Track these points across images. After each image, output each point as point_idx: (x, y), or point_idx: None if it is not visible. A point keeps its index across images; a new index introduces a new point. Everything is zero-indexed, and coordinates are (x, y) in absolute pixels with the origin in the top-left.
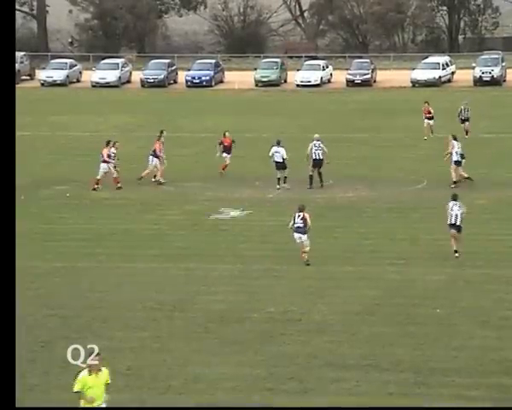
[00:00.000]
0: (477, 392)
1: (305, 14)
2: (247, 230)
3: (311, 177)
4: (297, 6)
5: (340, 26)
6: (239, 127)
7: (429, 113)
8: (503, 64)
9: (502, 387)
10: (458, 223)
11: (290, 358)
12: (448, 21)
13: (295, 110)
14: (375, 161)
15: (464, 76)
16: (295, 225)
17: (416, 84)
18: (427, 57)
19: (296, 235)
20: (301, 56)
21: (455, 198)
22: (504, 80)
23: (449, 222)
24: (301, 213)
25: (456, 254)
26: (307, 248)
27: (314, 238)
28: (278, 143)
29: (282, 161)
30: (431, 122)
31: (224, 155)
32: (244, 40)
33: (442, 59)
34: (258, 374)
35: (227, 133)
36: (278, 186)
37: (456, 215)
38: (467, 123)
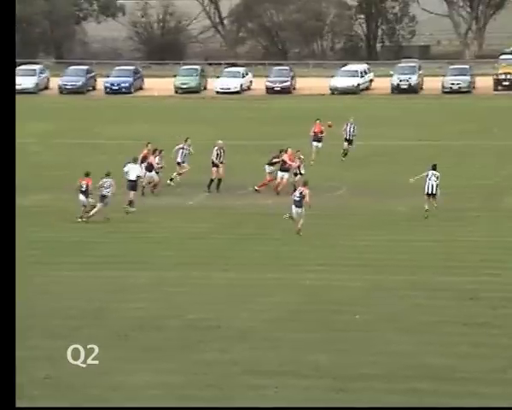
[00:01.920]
0: (395, 397)
1: (225, 22)
2: (168, 237)
3: (211, 181)
4: (216, 13)
5: (260, 33)
6: (158, 134)
7: (321, 132)
8: (420, 72)
9: (418, 392)
10: (434, 192)
11: (209, 365)
12: (366, 30)
13: (215, 117)
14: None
15: (382, 84)
16: (294, 198)
17: (334, 91)
18: (345, 65)
19: (293, 208)
20: (221, 63)
21: (434, 168)
22: (421, 88)
23: (426, 192)
24: (302, 189)
25: (426, 215)
26: (301, 222)
27: (234, 245)
28: (134, 161)
29: (133, 179)
30: (319, 145)
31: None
32: (163, 47)
33: (360, 67)
34: (176, 381)
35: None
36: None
37: (433, 185)
38: (350, 146)
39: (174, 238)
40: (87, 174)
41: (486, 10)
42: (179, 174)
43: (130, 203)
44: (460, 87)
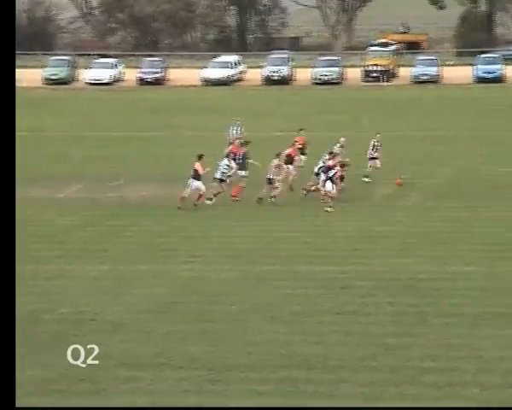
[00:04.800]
0: (268, 386)
1: (95, 12)
2: (38, 230)
3: None
4: (85, 3)
5: (131, 24)
6: (27, 126)
7: (303, 145)
8: (291, 63)
9: (291, 380)
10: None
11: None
12: (237, 21)
13: (85, 109)
14: (168, 158)
15: (254, 75)
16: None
17: (207, 82)
18: (217, 56)
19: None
20: (91, 54)
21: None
22: (292, 79)
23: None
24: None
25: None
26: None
27: (108, 237)
28: None
29: None
30: (303, 158)
31: None
32: (31, 37)
33: (232, 58)
34: (49, 376)
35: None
36: None
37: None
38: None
39: (47, 231)
40: None
41: (354, 2)
42: None
43: None
44: (330, 78)
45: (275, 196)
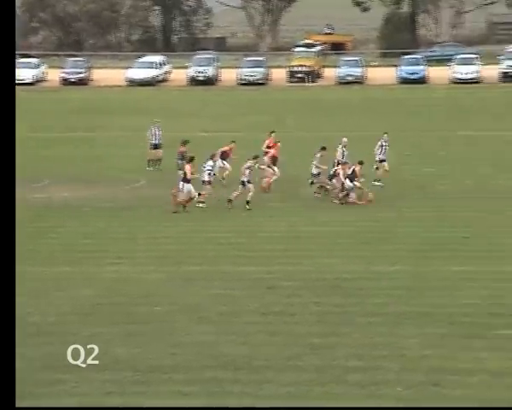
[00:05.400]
0: (194, 387)
1: (16, 11)
2: None
3: None
4: None
5: (54, 23)
6: None
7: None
8: (217, 64)
9: (217, 381)
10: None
11: None
12: (162, 21)
13: None
14: (93, 159)
15: (179, 75)
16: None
17: (131, 83)
18: (142, 56)
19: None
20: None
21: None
22: (217, 80)
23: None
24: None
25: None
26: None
27: (32, 239)
28: None
29: None
30: (276, 169)
31: None
32: None
33: (157, 58)
34: None
35: None
36: None
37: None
38: (159, 150)
39: None
40: None
41: (279, 3)
42: None
43: None
44: (255, 79)
45: (249, 202)
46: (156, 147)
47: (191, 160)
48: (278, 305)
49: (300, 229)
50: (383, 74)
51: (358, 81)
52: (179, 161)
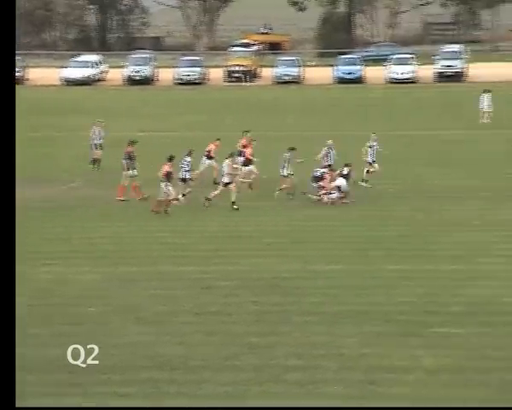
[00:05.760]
0: (130, 388)
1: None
2: None
3: None
4: None
5: None
6: None
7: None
8: (153, 63)
9: (153, 382)
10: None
11: None
12: (98, 20)
13: None
14: (28, 159)
15: (116, 75)
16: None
17: (67, 82)
18: (78, 55)
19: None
20: None
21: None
22: (153, 79)
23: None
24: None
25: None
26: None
27: None
28: None
29: None
30: (252, 168)
31: None
32: None
33: (93, 57)
34: None
35: None
36: None
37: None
38: (98, 151)
39: None
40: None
41: (216, 3)
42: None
43: None
44: (192, 78)
45: (234, 202)
46: (98, 147)
47: (171, 159)
48: (215, 305)
49: (236, 228)
50: (320, 74)
51: (295, 81)
52: (125, 161)
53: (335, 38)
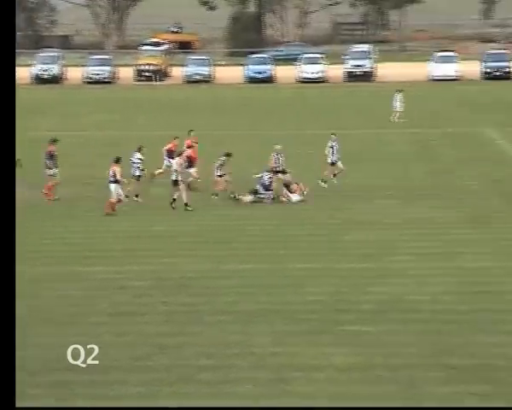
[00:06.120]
0: (40, 390)
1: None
2: None
3: None
4: None
5: None
6: None
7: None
8: (62, 62)
9: (64, 383)
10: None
11: None
12: None
13: None
14: None
15: (23, 73)
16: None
17: None
18: None
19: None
20: None
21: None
22: (62, 78)
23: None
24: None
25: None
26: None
27: None
28: None
29: None
30: (192, 171)
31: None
32: None
33: None
34: None
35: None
36: None
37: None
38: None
39: None
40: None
41: (125, 1)
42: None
43: None
44: (102, 77)
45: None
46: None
47: (118, 160)
48: (127, 305)
49: (149, 228)
50: (231, 73)
51: (206, 80)
52: (47, 161)
53: (245, 37)
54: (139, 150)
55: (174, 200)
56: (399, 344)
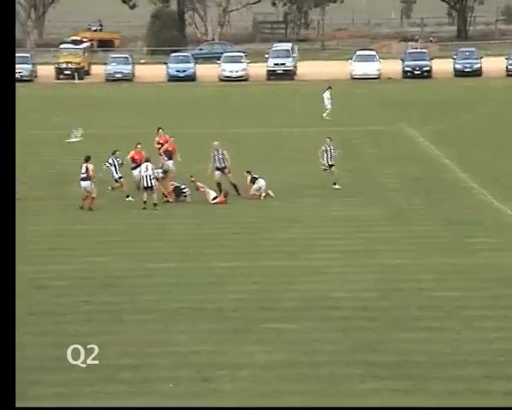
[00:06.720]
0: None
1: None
2: None
3: None
4: None
5: None
6: None
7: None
8: None
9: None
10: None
11: None
12: None
13: None
14: None
15: None
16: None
17: None
18: None
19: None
20: None
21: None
22: None
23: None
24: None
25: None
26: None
27: None
28: None
29: None
30: (170, 164)
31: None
32: None
33: None
34: None
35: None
36: None
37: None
38: None
39: None
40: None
41: None
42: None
43: None
44: (21, 76)
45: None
46: None
47: (88, 159)
48: (48, 305)
49: (70, 227)
50: (152, 72)
51: (127, 79)
52: None
53: (167, 35)
54: (114, 153)
55: (155, 204)
56: (322, 341)
